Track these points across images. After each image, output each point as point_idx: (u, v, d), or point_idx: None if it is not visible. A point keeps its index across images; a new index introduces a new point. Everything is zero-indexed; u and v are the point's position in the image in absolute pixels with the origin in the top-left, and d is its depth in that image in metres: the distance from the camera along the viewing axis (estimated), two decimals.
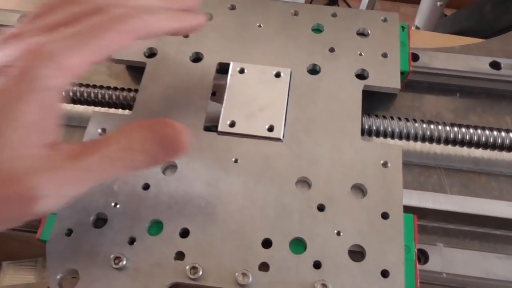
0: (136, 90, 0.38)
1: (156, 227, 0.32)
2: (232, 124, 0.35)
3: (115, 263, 0.30)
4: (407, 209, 0.32)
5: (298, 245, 0.31)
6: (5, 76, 0.22)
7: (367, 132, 0.36)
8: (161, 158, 0.24)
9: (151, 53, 0.39)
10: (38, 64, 0.22)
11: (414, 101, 0.41)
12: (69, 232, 0.32)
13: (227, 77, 0.37)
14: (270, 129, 0.35)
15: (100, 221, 0.32)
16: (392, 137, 0.36)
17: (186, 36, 0.40)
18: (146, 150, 0.23)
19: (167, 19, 0.27)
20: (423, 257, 0.32)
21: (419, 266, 0.30)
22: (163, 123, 0.24)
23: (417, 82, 0.41)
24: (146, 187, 0.33)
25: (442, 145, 0.37)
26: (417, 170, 0.37)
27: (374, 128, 0.36)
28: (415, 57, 0.40)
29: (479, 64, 0.39)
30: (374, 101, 0.39)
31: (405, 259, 0.30)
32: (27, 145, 0.22)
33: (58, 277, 0.30)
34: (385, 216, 0.31)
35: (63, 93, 0.23)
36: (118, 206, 0.32)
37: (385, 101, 0.41)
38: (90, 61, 0.23)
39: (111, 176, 0.24)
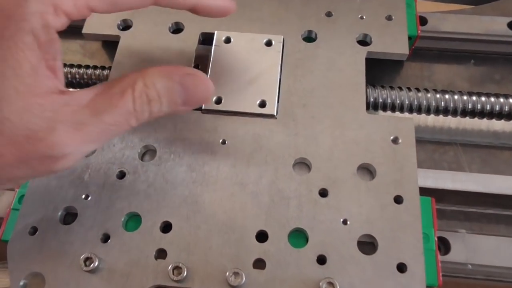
0: (110, 68, 0.34)
1: (134, 221, 0.27)
2: (219, 101, 0.30)
3: (86, 265, 0.25)
4: (422, 191, 0.28)
5: (298, 237, 0.26)
6: None
7: (372, 106, 0.32)
8: (184, 108, 0.23)
9: (126, 26, 0.35)
10: None
11: (423, 70, 0.36)
12: (34, 230, 0.27)
13: (211, 48, 0.33)
14: (262, 104, 0.30)
15: (69, 216, 0.28)
16: (401, 110, 0.32)
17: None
18: (172, 102, 0.23)
19: None
20: (443, 246, 0.28)
21: (440, 257, 0.26)
22: (187, 73, 0.23)
23: (426, 49, 0.36)
24: (121, 175, 0.28)
25: (457, 118, 0.33)
26: (430, 147, 0.33)
27: (381, 100, 0.32)
28: (422, 21, 0.35)
29: (496, 26, 0.35)
30: (377, 72, 0.35)
31: (424, 249, 0.25)
32: (37, 93, 0.19)
33: (21, 283, 0.26)
34: (398, 200, 0.27)
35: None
36: (89, 198, 0.28)
37: (390, 71, 0.36)
38: (88, 4, 0.20)
39: (132, 128, 0.22)
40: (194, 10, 0.25)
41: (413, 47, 0.34)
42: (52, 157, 0.20)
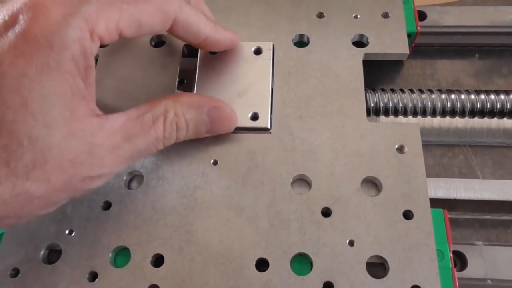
0: None
1: (122, 255, 0.25)
2: None
3: None
4: (433, 202, 0.25)
5: (302, 262, 0.24)
6: (19, 37, 0.19)
7: (373, 111, 0.30)
8: (207, 135, 0.26)
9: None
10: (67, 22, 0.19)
11: (425, 68, 0.34)
12: (15, 273, 0.25)
13: (196, 60, 0.30)
14: (254, 117, 0.28)
15: (53, 254, 0.26)
16: (405, 114, 0.30)
17: None
18: (197, 131, 0.25)
19: (206, 23, 0.25)
20: (459, 261, 0.26)
21: (457, 274, 0.24)
22: (215, 106, 0.26)
23: (427, 45, 0.34)
24: (106, 206, 0.26)
25: (465, 119, 0.31)
26: (438, 151, 0.31)
27: (382, 105, 0.30)
28: (421, 16, 0.33)
29: (500, 16, 0.32)
30: (376, 73, 0.33)
31: (439, 267, 0.23)
32: (79, 118, 0.20)
33: None
34: (408, 215, 0.25)
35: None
36: (73, 233, 0.26)
37: (390, 72, 0.34)
38: (118, 28, 0.21)
39: (158, 151, 0.24)
40: (204, 43, 0.26)
41: (413, 44, 0.32)
42: (90, 178, 0.21)
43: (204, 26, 0.25)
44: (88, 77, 0.21)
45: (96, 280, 0.24)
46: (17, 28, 0.18)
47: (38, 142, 0.19)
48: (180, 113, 0.24)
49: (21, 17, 0.18)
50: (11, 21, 0.19)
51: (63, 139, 0.19)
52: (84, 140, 0.20)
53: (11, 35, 0.18)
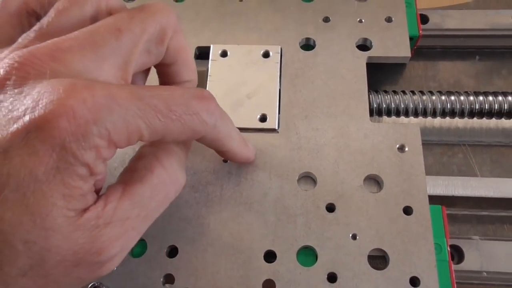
0: None
1: (139, 246, 0.27)
2: None
3: None
4: (432, 199, 0.27)
5: (307, 254, 0.26)
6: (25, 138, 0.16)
7: (376, 112, 0.31)
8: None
9: None
10: (82, 129, 0.17)
11: (426, 69, 0.35)
12: None
13: (207, 62, 0.32)
14: (263, 119, 0.30)
15: None
16: (406, 114, 0.31)
17: None
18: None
19: (233, 139, 0.24)
20: (457, 254, 0.27)
21: (454, 267, 0.25)
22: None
23: (429, 48, 0.35)
24: None
25: (464, 118, 0.32)
26: (438, 150, 0.32)
27: (384, 106, 0.31)
28: (423, 19, 0.34)
29: (501, 19, 0.34)
30: (379, 75, 0.34)
31: (436, 260, 0.25)
32: (84, 213, 0.18)
33: None
34: (407, 211, 0.26)
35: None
36: None
37: (393, 73, 0.35)
38: (139, 139, 0.19)
39: None
40: (224, 153, 0.25)
41: (415, 47, 0.33)
42: (99, 264, 0.19)
43: (231, 142, 0.24)
44: (99, 178, 0.19)
45: (115, 268, 0.26)
46: (34, 123, 0.16)
47: (35, 246, 0.17)
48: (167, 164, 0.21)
49: (41, 109, 0.16)
50: (30, 110, 0.16)
51: (64, 239, 0.17)
52: (88, 230, 0.18)
53: (25, 127, 0.16)
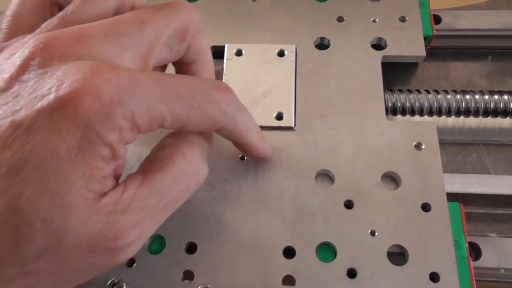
0: None
1: (158, 243, 0.27)
2: None
3: None
4: (448, 196, 0.27)
5: (326, 251, 0.26)
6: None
7: (391, 111, 0.31)
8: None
9: None
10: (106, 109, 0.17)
11: (439, 70, 0.35)
12: None
13: (222, 62, 0.32)
14: (279, 117, 0.30)
15: None
16: (421, 113, 0.31)
17: None
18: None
19: (251, 131, 0.24)
20: (474, 252, 0.27)
21: (472, 264, 0.25)
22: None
23: (441, 48, 0.36)
24: None
25: (478, 118, 0.32)
26: (452, 149, 0.32)
27: (399, 105, 0.31)
28: (436, 19, 0.35)
29: None
30: (391, 75, 0.34)
31: (455, 257, 0.25)
32: (102, 197, 0.18)
33: None
34: (426, 207, 0.26)
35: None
36: None
37: (405, 73, 0.36)
38: (161, 124, 0.19)
39: None
40: (243, 146, 0.25)
41: (429, 47, 0.33)
42: (114, 250, 0.19)
43: (249, 134, 0.24)
44: (120, 162, 0.19)
45: (134, 265, 0.26)
46: (59, 101, 0.16)
47: (52, 225, 0.17)
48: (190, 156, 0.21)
49: (66, 87, 0.16)
50: (55, 89, 0.17)
51: (82, 221, 0.17)
52: (106, 215, 0.18)
53: (50, 105, 0.16)
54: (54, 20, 0.20)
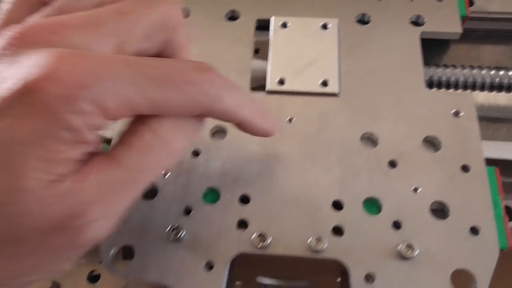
0: None
1: (212, 195, 0.29)
2: (282, 82, 0.32)
3: (174, 235, 0.26)
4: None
5: (372, 205, 0.28)
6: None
7: (427, 84, 0.33)
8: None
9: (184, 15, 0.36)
10: (72, 92, 0.17)
11: (470, 51, 0.37)
12: None
13: (268, 33, 0.34)
14: (324, 83, 0.31)
15: (148, 193, 0.29)
16: (456, 87, 0.33)
17: None
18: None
19: (242, 108, 0.22)
20: (507, 214, 0.29)
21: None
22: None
23: (471, 30, 0.38)
24: (195, 153, 0.30)
25: (507, 97, 0.34)
26: (483, 123, 0.34)
27: (436, 78, 0.33)
28: (469, 1, 0.37)
29: None
30: (425, 54, 0.36)
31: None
32: (60, 180, 0.18)
33: (111, 252, 0.27)
34: (465, 168, 0.28)
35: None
36: (168, 175, 0.29)
37: (438, 52, 0.37)
38: (133, 109, 0.18)
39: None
40: (240, 126, 0.24)
41: (463, 27, 0.35)
42: (77, 228, 0.18)
43: (241, 112, 0.22)
44: (89, 147, 0.18)
45: (191, 213, 0.28)
46: (24, 86, 0.16)
47: (9, 208, 0.17)
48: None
49: (31, 73, 0.16)
50: (21, 75, 0.17)
51: (39, 202, 0.17)
52: (64, 194, 0.18)
53: (16, 91, 0.16)
54: (40, 13, 0.20)
